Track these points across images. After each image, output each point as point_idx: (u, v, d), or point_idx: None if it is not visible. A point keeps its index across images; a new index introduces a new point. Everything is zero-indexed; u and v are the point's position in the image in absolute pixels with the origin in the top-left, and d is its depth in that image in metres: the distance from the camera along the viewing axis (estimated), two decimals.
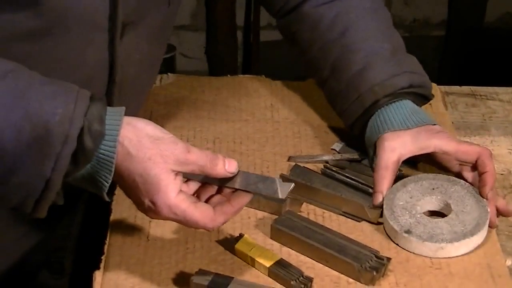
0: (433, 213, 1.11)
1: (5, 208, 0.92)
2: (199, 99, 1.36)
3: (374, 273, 1.01)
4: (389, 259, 1.03)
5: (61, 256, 1.18)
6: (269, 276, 1.02)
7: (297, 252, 1.06)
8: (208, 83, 1.40)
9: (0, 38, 0.91)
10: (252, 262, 1.03)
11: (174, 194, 0.91)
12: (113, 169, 0.89)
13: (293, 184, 0.98)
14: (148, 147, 0.90)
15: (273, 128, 1.29)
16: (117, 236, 1.07)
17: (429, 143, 1.12)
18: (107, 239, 1.07)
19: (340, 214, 1.12)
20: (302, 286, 1.00)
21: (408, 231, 1.06)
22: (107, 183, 0.90)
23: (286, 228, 1.07)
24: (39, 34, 0.93)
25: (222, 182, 0.96)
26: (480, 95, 1.43)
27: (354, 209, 1.12)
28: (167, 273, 1.02)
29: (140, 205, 0.93)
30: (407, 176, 1.15)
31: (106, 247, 1.06)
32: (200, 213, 0.93)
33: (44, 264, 1.17)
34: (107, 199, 0.93)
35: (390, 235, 1.08)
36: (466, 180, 1.13)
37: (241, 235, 1.06)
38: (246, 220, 1.11)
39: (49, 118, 0.85)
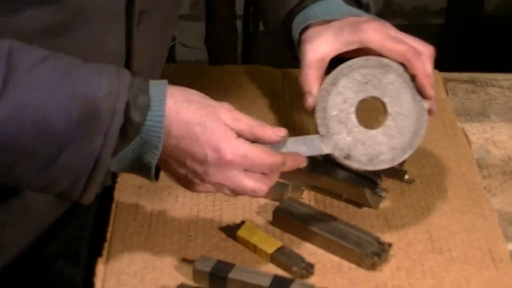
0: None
1: (49, 195, 0.93)
2: (200, 88, 1.35)
3: (376, 259, 1.01)
4: (390, 244, 1.04)
5: (77, 245, 1.18)
6: (271, 262, 1.02)
7: (299, 238, 1.06)
8: (209, 72, 1.41)
9: (23, 34, 0.91)
10: (254, 249, 1.04)
11: (234, 137, 0.91)
12: (162, 135, 0.89)
13: (334, 137, 0.99)
14: (198, 100, 0.92)
15: (274, 116, 1.29)
16: (119, 223, 1.08)
17: (353, 38, 1.04)
18: (110, 226, 1.07)
19: (341, 201, 1.13)
20: (304, 272, 1.00)
21: (347, 156, 1.01)
22: (157, 152, 0.90)
23: (288, 215, 1.07)
24: (59, 29, 0.93)
25: None
26: (480, 82, 1.43)
27: (355, 196, 1.12)
28: (169, 260, 1.03)
29: (201, 164, 0.91)
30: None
31: (108, 234, 1.06)
32: (261, 150, 0.92)
33: (60, 253, 1.17)
34: (154, 179, 0.93)
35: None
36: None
37: (243, 222, 1.07)
38: (248, 207, 1.11)
39: (96, 94, 0.86)
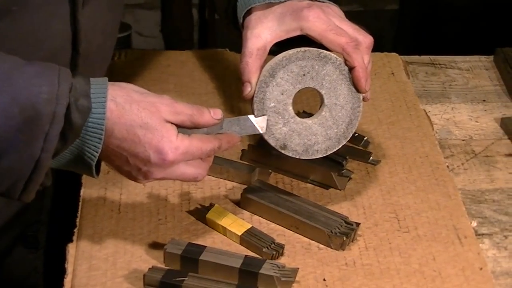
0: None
1: None
2: (164, 72, 1.36)
3: (344, 238, 1.03)
4: (358, 224, 1.05)
5: (35, 230, 1.18)
6: (241, 244, 1.03)
7: (268, 220, 1.07)
8: (173, 57, 1.41)
9: None
10: (223, 231, 1.05)
11: (175, 137, 0.92)
12: (103, 137, 0.89)
13: (266, 116, 1.01)
14: (139, 99, 0.92)
15: (239, 99, 1.30)
16: (88, 209, 1.08)
17: (295, 25, 1.03)
18: (79, 212, 1.07)
19: (308, 183, 1.14)
20: (274, 252, 1.01)
21: (283, 146, 1.03)
22: (96, 153, 0.90)
23: (256, 197, 1.08)
24: (2, 12, 0.92)
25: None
26: (440, 64, 1.45)
27: (322, 177, 1.13)
28: (140, 244, 1.03)
29: (144, 164, 0.92)
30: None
31: (78, 220, 1.06)
32: (198, 140, 0.94)
33: (19, 238, 1.17)
34: (95, 176, 0.93)
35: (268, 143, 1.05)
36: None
37: (212, 205, 1.07)
38: (216, 190, 1.12)
39: (36, 99, 0.85)
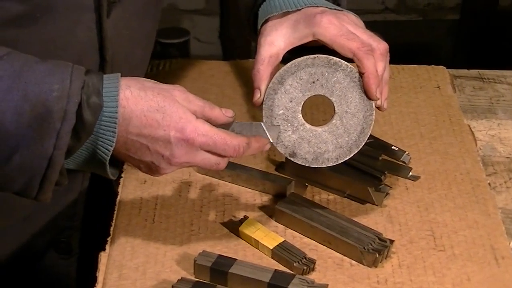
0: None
1: (10, 192, 0.93)
2: (207, 82, 1.37)
3: (377, 255, 1.01)
4: (392, 241, 1.04)
5: (67, 236, 1.19)
6: (272, 257, 1.03)
7: (301, 234, 1.07)
8: (217, 67, 1.41)
9: None
10: (256, 244, 1.04)
11: (193, 118, 0.93)
12: (116, 130, 0.90)
13: (280, 126, 1.00)
14: (152, 86, 0.93)
15: None
16: (122, 217, 1.09)
17: (308, 31, 1.03)
18: (113, 221, 1.08)
19: (345, 197, 1.13)
20: (305, 267, 1.00)
21: (292, 154, 1.02)
22: (110, 147, 0.90)
23: (290, 210, 1.08)
24: (24, 20, 0.94)
25: None
26: (488, 79, 1.43)
27: (359, 192, 1.12)
28: (171, 254, 1.03)
29: (165, 147, 0.92)
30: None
31: (112, 229, 1.07)
32: (224, 132, 0.94)
33: (52, 244, 1.18)
34: (110, 176, 0.94)
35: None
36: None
37: (245, 217, 1.07)
38: (250, 202, 1.12)
39: (47, 96, 0.86)
